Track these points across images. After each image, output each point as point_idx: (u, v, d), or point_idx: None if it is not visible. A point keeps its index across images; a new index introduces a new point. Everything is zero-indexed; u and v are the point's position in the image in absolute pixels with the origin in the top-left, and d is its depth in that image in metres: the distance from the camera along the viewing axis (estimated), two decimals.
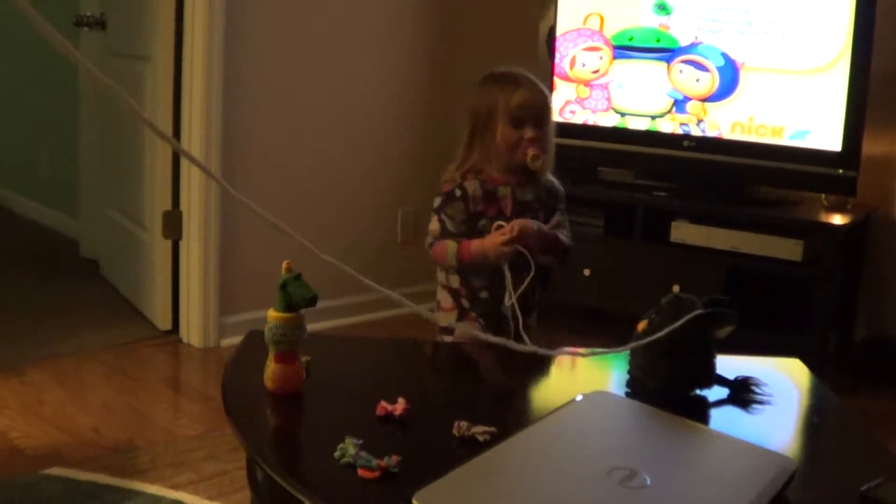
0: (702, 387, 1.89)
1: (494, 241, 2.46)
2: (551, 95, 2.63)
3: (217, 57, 3.93)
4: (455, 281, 2.61)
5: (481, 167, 2.58)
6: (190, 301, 4.10)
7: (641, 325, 1.89)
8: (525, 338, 2.23)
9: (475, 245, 2.50)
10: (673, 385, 1.85)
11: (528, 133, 2.52)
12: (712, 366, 1.90)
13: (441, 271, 2.65)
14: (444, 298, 2.66)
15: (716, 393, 1.89)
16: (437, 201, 2.61)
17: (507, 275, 2.45)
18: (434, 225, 2.59)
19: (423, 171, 4.68)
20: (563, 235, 2.62)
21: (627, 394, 1.87)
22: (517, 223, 2.44)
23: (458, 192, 2.57)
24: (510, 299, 2.44)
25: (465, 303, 2.61)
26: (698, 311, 1.82)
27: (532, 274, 2.45)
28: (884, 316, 4.09)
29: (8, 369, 3.69)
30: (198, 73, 3.93)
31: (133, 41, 4.32)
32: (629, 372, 1.90)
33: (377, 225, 4.59)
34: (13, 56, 6.28)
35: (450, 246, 2.53)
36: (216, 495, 2.79)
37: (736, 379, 1.93)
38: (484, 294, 2.58)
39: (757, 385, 1.93)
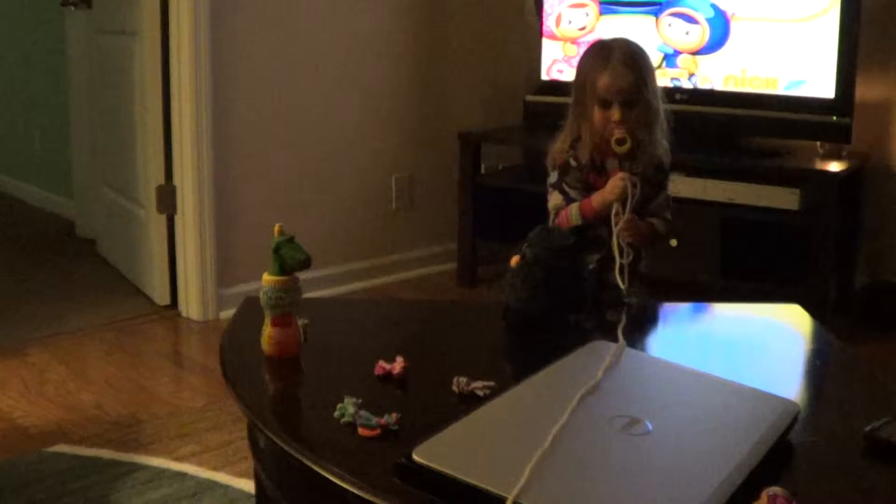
0: (579, 312, 1.96)
1: (613, 186, 2.39)
2: (650, 70, 2.51)
3: (204, 28, 3.90)
4: None
5: (585, 140, 2.53)
6: (187, 275, 4.09)
7: (514, 260, 1.99)
8: (619, 280, 2.22)
9: (595, 197, 2.45)
10: (551, 312, 1.93)
11: (615, 115, 2.44)
12: (587, 291, 1.97)
13: None
14: None
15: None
16: (554, 176, 2.56)
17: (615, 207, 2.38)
18: (556, 199, 2.55)
19: (416, 136, 4.68)
20: (662, 221, 2.57)
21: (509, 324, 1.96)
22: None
23: (573, 162, 2.53)
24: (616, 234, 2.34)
25: None
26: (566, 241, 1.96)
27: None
28: (883, 261, 4.08)
29: (9, 350, 3.69)
30: (185, 46, 3.90)
31: (119, 17, 4.29)
32: (507, 304, 1.98)
33: (371, 191, 4.57)
34: (1, 36, 6.25)
35: (572, 208, 2.49)
36: (220, 465, 2.79)
37: (609, 296, 2.05)
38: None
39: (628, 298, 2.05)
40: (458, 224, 4.51)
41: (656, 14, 4.05)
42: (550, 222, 2.53)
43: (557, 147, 2.58)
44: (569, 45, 4.27)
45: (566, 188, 2.54)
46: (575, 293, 1.97)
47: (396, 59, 4.58)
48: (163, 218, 4.13)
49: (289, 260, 1.72)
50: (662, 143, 2.58)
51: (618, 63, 2.46)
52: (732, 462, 1.30)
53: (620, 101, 2.44)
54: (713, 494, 1.21)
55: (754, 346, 2.04)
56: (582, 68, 2.55)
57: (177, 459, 2.83)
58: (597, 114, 2.47)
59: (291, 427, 1.55)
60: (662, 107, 2.55)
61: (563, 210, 2.51)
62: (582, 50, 4.13)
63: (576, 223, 2.45)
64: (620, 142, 2.43)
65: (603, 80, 2.44)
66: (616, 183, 2.39)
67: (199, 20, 3.88)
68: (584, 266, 1.99)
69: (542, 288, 1.93)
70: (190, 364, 3.70)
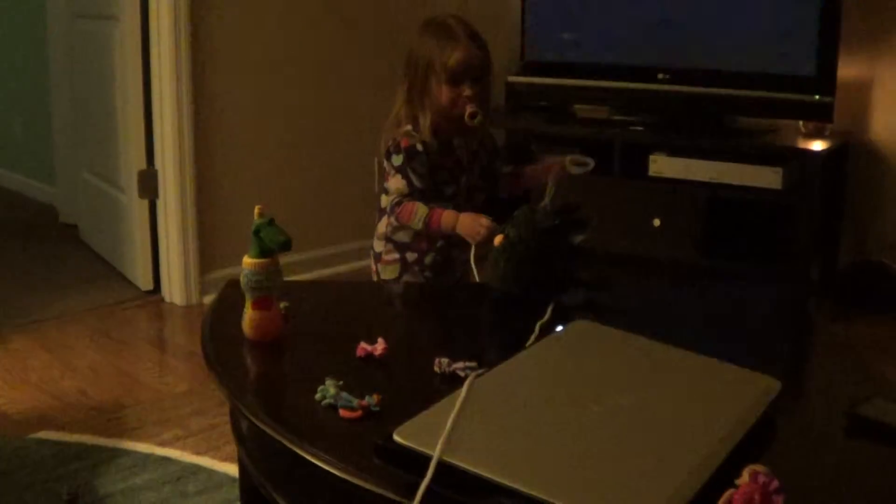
0: (562, 290, 1.96)
1: (473, 229, 2.35)
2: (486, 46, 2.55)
3: (184, 12, 3.87)
4: (406, 236, 2.55)
5: (425, 121, 2.51)
6: (170, 260, 4.08)
7: (498, 240, 2.00)
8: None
9: (448, 218, 2.41)
10: (534, 292, 1.93)
11: (467, 91, 2.45)
12: (570, 270, 1.98)
13: (388, 225, 2.57)
14: (388, 251, 2.59)
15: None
16: (399, 158, 2.50)
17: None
18: (398, 183, 2.48)
19: None
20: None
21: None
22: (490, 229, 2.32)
23: (419, 147, 2.49)
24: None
25: (411, 256, 2.56)
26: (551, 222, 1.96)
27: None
28: (867, 241, 4.09)
29: None
30: (165, 30, 3.88)
31: (99, 1, 4.26)
32: (491, 284, 2.00)
33: (354, 174, 4.56)
34: None
35: (420, 209, 2.43)
36: (204, 450, 2.79)
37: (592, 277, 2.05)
38: (440, 243, 2.54)
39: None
40: None
41: None
42: (389, 207, 2.49)
43: (400, 130, 2.53)
44: None
45: (410, 174, 2.48)
46: (558, 273, 1.97)
47: (378, 41, 4.56)
48: (145, 203, 4.12)
49: (268, 242, 1.71)
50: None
51: (467, 40, 2.47)
52: (714, 440, 1.30)
53: (471, 77, 2.46)
54: (694, 472, 1.21)
55: (736, 325, 2.04)
56: (422, 47, 2.52)
57: (161, 444, 2.83)
58: (445, 92, 2.46)
59: (273, 409, 1.55)
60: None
61: (409, 204, 2.45)
62: None
63: (416, 227, 2.46)
64: (473, 116, 2.44)
65: (455, 58, 2.44)
66: (477, 230, 2.35)
67: (179, 4, 3.86)
68: (567, 246, 1.99)
69: (525, 268, 1.93)
70: (173, 349, 3.70)
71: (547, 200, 2.31)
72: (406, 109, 2.55)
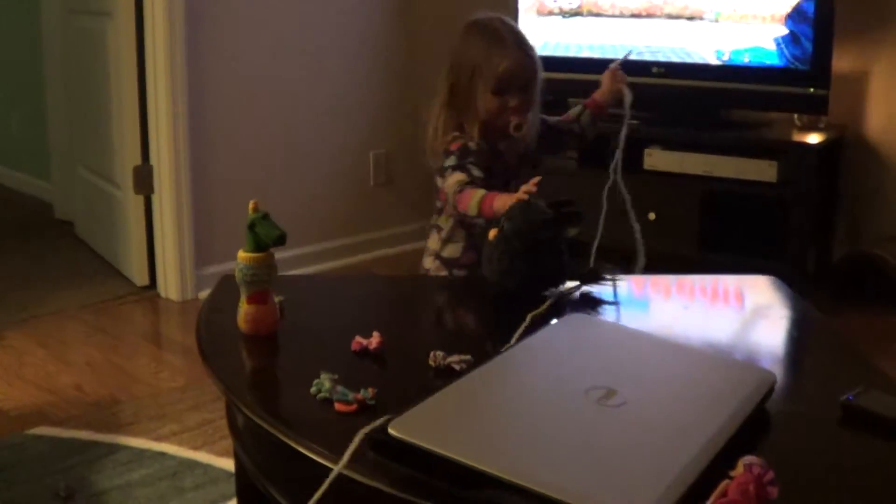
0: (556, 284, 1.96)
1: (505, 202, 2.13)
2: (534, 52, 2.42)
3: (178, 7, 3.87)
4: (455, 251, 2.46)
5: (470, 129, 2.39)
6: (166, 255, 4.08)
7: (493, 233, 1.97)
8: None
9: (501, 199, 2.14)
10: (529, 285, 1.93)
11: (513, 101, 2.34)
12: (564, 264, 1.97)
13: (438, 241, 2.49)
14: (437, 268, 2.48)
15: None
16: (452, 159, 2.34)
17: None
18: (459, 176, 2.30)
19: (394, 112, 4.66)
20: None
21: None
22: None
23: (472, 145, 2.35)
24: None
25: (458, 272, 2.45)
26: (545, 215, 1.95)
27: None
28: (862, 233, 4.09)
29: None
30: (160, 26, 3.88)
31: None
32: (486, 277, 1.98)
33: (349, 169, 4.56)
34: None
35: (477, 192, 2.22)
36: (200, 445, 2.79)
37: (586, 270, 2.05)
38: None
39: (605, 271, 2.06)
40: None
41: None
42: (451, 197, 2.31)
43: (446, 138, 2.39)
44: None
45: (471, 167, 2.31)
46: (553, 267, 1.97)
47: (373, 36, 4.57)
48: (140, 198, 4.12)
49: (263, 236, 1.71)
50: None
51: (515, 46, 2.36)
52: (709, 432, 1.30)
53: (518, 86, 2.35)
54: (689, 464, 1.21)
55: (731, 317, 2.04)
56: (467, 53, 2.40)
57: (157, 439, 2.83)
58: (490, 101, 2.35)
59: (268, 404, 1.55)
60: (542, 75, 2.45)
61: (470, 189, 2.26)
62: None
63: (472, 214, 2.23)
64: (518, 128, 2.35)
65: (503, 67, 2.33)
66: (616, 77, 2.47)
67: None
68: (562, 240, 1.99)
69: (520, 261, 1.93)
70: (169, 344, 3.70)
71: (628, 103, 2.44)
72: (448, 116, 2.42)
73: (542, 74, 2.43)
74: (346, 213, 4.55)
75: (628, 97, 2.50)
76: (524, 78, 2.36)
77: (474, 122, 2.38)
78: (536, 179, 2.05)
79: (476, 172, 2.31)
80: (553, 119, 2.58)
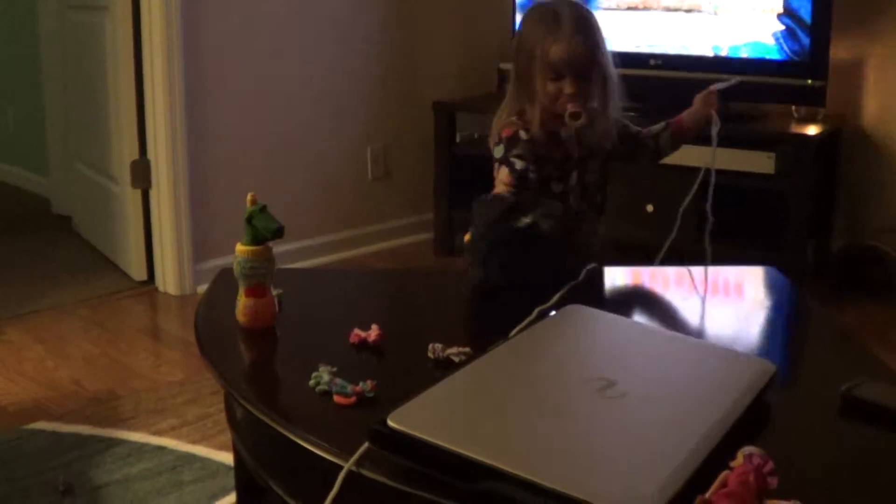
0: (544, 274, 1.96)
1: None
2: (602, 35, 2.32)
3: (175, 1, 3.86)
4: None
5: (532, 114, 2.32)
6: (164, 250, 4.07)
7: (467, 237, 2.00)
8: None
9: (685, 116, 2.50)
10: (512, 275, 1.94)
11: (568, 88, 2.25)
12: (546, 254, 1.96)
13: None
14: None
15: None
16: (500, 150, 2.31)
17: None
18: (502, 174, 2.27)
19: (391, 106, 4.66)
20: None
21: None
22: None
23: (522, 134, 2.30)
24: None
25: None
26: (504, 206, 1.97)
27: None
28: (860, 225, 4.09)
29: None
30: (157, 20, 3.87)
31: None
32: (472, 276, 1.99)
33: (347, 162, 4.56)
34: None
35: (667, 130, 2.51)
36: (199, 439, 2.79)
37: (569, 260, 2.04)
38: None
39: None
40: (434, 193, 4.51)
41: None
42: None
43: (501, 120, 2.37)
44: None
45: (514, 160, 2.28)
46: (535, 256, 1.95)
47: (370, 29, 4.56)
48: (138, 193, 4.11)
49: (261, 229, 1.71)
50: (619, 107, 2.41)
51: (570, 31, 2.25)
52: (709, 422, 1.30)
53: (574, 72, 2.26)
54: (690, 455, 1.21)
55: (731, 309, 2.04)
56: (527, 36, 2.33)
57: (156, 434, 2.83)
58: (548, 86, 2.27)
59: (267, 396, 1.55)
60: (615, 71, 2.35)
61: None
62: None
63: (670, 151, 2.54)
64: (575, 116, 2.24)
65: (555, 51, 2.24)
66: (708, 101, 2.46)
67: None
68: (527, 227, 1.96)
69: (493, 255, 1.93)
70: (167, 339, 3.69)
71: (715, 131, 2.38)
72: (513, 99, 2.37)
73: (614, 70, 2.35)
74: (344, 207, 4.54)
75: (716, 125, 2.40)
76: (579, 65, 2.26)
77: (535, 107, 2.31)
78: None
79: (519, 165, 2.26)
80: (636, 128, 2.51)
